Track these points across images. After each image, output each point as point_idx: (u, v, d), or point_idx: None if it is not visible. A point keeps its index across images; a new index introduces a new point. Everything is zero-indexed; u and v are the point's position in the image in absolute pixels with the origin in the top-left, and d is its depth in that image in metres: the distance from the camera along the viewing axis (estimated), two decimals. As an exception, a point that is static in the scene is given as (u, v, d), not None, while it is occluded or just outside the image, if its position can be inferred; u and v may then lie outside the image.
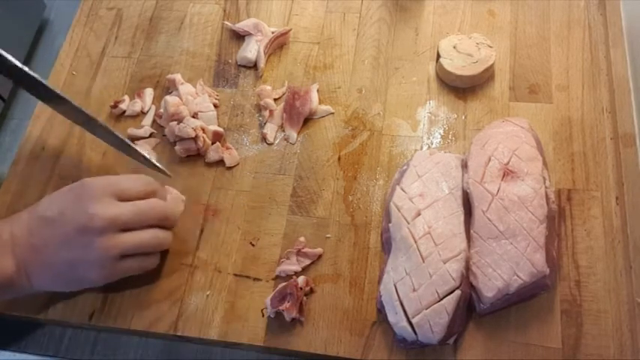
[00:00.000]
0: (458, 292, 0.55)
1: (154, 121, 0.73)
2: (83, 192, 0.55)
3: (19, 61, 0.62)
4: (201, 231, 0.66)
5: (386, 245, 0.62)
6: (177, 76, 0.75)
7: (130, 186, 0.57)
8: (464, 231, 0.58)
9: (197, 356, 0.62)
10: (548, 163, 0.65)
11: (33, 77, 0.62)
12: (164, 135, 0.71)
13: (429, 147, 0.68)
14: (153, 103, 0.75)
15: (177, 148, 0.70)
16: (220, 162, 0.70)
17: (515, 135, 0.63)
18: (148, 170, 0.66)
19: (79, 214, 0.54)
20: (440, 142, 0.69)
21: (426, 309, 0.54)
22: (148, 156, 0.66)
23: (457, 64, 0.70)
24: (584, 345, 0.56)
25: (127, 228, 0.56)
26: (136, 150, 0.66)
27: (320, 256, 0.63)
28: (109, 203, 0.55)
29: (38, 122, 0.75)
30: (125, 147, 0.66)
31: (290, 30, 0.78)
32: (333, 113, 0.72)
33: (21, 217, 0.57)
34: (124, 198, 0.57)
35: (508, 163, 0.60)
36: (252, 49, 0.76)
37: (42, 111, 0.76)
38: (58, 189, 0.69)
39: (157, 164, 0.66)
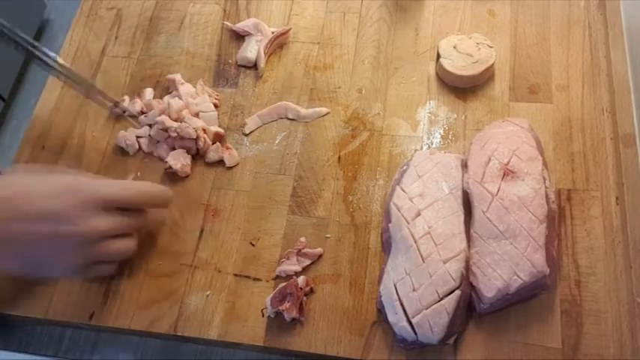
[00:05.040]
0: (458, 292, 0.55)
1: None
2: (73, 197, 0.54)
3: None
4: (201, 231, 0.66)
5: (386, 245, 0.62)
6: (177, 76, 0.75)
7: (121, 198, 0.57)
8: (464, 231, 0.58)
9: (197, 356, 0.62)
10: (548, 163, 0.65)
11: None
12: (149, 135, 0.71)
13: (429, 147, 0.68)
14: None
15: (163, 146, 0.71)
16: (220, 162, 0.70)
17: (515, 135, 0.63)
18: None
19: (64, 219, 0.53)
20: (440, 142, 0.69)
21: (426, 309, 0.54)
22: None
23: (457, 64, 0.70)
24: (584, 345, 0.56)
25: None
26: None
27: (320, 256, 0.63)
28: (96, 216, 0.55)
29: (38, 122, 0.75)
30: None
31: (290, 30, 0.78)
32: (329, 112, 0.72)
33: None
34: (111, 208, 0.57)
35: (508, 163, 0.60)
36: (252, 49, 0.76)
37: (42, 111, 0.76)
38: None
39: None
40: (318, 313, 0.60)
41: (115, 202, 0.57)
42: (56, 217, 0.54)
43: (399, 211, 0.60)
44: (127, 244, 0.59)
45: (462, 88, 0.72)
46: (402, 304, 0.56)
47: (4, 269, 0.58)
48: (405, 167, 0.65)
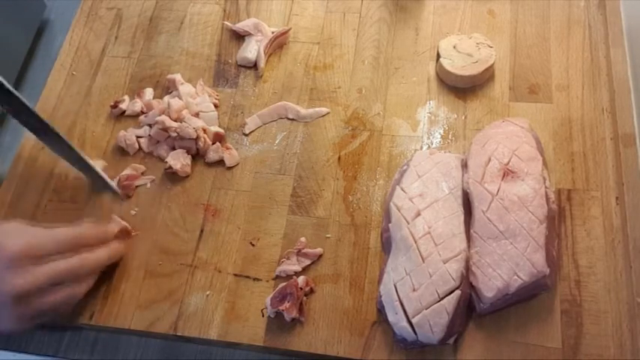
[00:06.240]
0: (458, 292, 0.55)
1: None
2: None
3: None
4: (201, 231, 0.66)
5: (386, 245, 0.62)
6: (177, 76, 0.75)
7: (52, 248, 0.55)
8: (464, 231, 0.58)
9: (197, 356, 0.62)
10: (548, 163, 0.65)
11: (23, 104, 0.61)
12: (149, 135, 0.71)
13: (429, 147, 0.68)
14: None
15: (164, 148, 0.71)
16: (220, 162, 0.70)
17: (515, 135, 0.63)
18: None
19: None
20: (440, 142, 0.69)
21: (426, 309, 0.54)
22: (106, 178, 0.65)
23: (457, 64, 0.70)
24: (584, 345, 0.56)
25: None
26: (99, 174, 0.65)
27: (320, 256, 0.63)
28: (22, 271, 0.53)
29: (38, 122, 0.75)
30: (85, 169, 0.65)
31: (290, 30, 0.78)
32: (329, 112, 0.72)
33: None
34: (43, 258, 0.55)
35: (508, 163, 0.60)
36: (252, 49, 0.76)
37: (42, 111, 0.76)
38: (57, 190, 0.70)
39: (112, 184, 0.66)
40: (318, 313, 0.60)
41: (44, 253, 0.54)
42: None
43: (399, 211, 0.60)
44: (69, 292, 0.57)
45: (462, 88, 0.72)
46: (402, 304, 0.56)
47: None
48: (405, 167, 0.65)
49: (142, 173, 0.70)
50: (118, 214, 0.67)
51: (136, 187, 0.69)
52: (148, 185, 0.69)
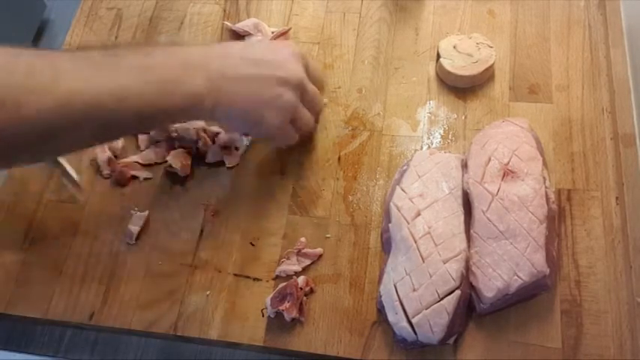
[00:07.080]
0: (458, 292, 0.55)
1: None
2: (285, 52, 0.63)
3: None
4: (201, 231, 0.66)
5: (386, 245, 0.62)
6: (178, 76, 0.74)
7: (311, 64, 0.65)
8: (464, 231, 0.58)
9: (197, 356, 0.62)
10: (548, 163, 0.65)
11: None
12: (149, 135, 0.71)
13: (429, 147, 0.68)
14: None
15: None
16: (220, 162, 0.70)
17: (515, 135, 0.63)
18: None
19: (281, 67, 0.61)
20: (440, 142, 0.69)
21: (426, 309, 0.54)
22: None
23: (457, 64, 0.70)
24: (584, 345, 0.56)
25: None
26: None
27: (320, 256, 0.63)
28: (302, 69, 0.63)
29: (38, 122, 0.75)
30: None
31: (290, 30, 0.78)
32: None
33: (213, 50, 0.61)
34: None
35: (508, 163, 0.60)
36: (252, 49, 0.76)
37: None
38: (58, 188, 0.70)
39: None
40: (318, 313, 0.60)
41: (307, 63, 0.64)
42: (276, 64, 0.61)
43: (399, 211, 0.60)
44: (311, 118, 0.66)
45: (462, 88, 0.72)
46: (402, 304, 0.56)
47: (223, 116, 0.61)
48: (405, 167, 0.65)
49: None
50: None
51: (132, 177, 0.69)
52: (142, 179, 0.69)
